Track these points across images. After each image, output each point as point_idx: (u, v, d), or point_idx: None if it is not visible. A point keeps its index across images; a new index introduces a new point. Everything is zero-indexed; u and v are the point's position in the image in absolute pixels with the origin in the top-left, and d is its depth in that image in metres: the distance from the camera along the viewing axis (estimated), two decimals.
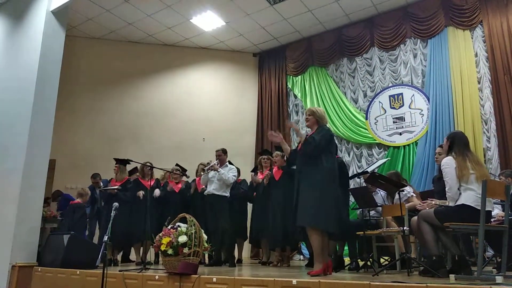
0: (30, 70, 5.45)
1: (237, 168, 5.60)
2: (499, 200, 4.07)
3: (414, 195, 4.50)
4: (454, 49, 6.95)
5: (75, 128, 7.94)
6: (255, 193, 5.65)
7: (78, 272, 4.22)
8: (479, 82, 6.70)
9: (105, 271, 3.39)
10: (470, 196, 3.02)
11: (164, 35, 8.39)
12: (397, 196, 4.24)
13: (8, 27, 6.08)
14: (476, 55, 6.82)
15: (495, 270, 3.60)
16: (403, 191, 4.00)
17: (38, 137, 5.26)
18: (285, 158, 5.27)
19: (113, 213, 3.71)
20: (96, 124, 8.13)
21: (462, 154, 3.18)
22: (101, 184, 6.26)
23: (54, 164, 7.33)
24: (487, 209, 2.92)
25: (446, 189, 3.14)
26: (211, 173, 5.23)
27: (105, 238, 3.46)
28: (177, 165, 6.16)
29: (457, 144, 3.25)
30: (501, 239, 3.06)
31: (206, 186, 5.32)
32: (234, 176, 5.31)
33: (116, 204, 3.82)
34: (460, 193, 3.08)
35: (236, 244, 5.90)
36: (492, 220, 3.60)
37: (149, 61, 8.70)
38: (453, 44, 6.99)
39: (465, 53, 6.86)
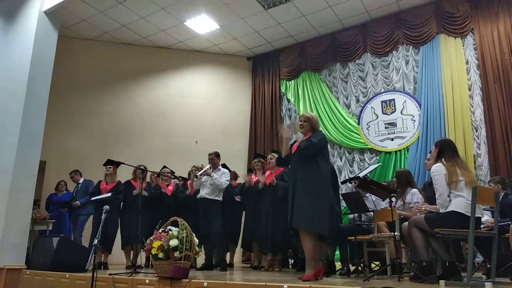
0: (21, 71, 5.41)
1: (233, 172, 5.57)
2: (488, 207, 4.12)
3: (420, 204, 4.49)
4: (446, 56, 7.03)
5: (67, 129, 7.87)
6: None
7: (67, 276, 4.17)
8: (469, 89, 6.78)
9: (95, 275, 3.36)
10: (460, 203, 3.04)
11: (158, 37, 8.38)
12: (407, 198, 4.27)
13: None
14: (467, 63, 6.91)
15: (484, 276, 3.63)
16: (394, 196, 4.01)
17: (29, 138, 5.21)
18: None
19: (103, 216, 3.67)
20: (88, 126, 8.07)
21: (452, 160, 3.21)
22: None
23: (44, 166, 7.25)
24: (476, 215, 2.95)
25: (436, 196, 3.16)
26: (204, 177, 5.21)
27: (95, 241, 3.42)
28: (164, 167, 6.14)
29: (447, 150, 3.27)
30: (490, 245, 3.09)
31: (199, 190, 5.29)
32: (227, 180, 5.29)
33: (106, 207, 3.79)
34: (450, 200, 3.10)
35: (228, 249, 5.89)
36: (482, 226, 3.64)
37: (143, 63, 8.66)
38: (444, 51, 7.07)
39: (456, 60, 6.94)
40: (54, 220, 6.46)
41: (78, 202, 6.19)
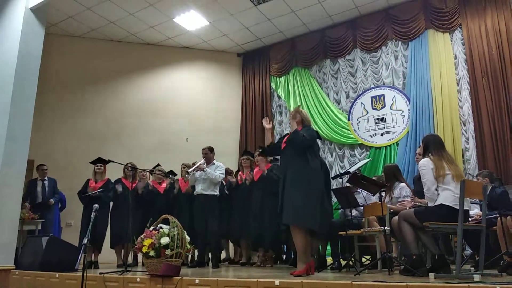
0: (8, 69, 5.32)
1: (226, 168, 5.57)
2: (477, 200, 4.17)
3: (409, 198, 4.53)
4: (434, 52, 7.08)
5: (55, 128, 7.77)
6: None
7: (57, 275, 4.14)
8: (458, 84, 6.85)
9: (85, 274, 3.33)
10: (448, 196, 3.07)
11: (146, 34, 8.30)
12: (396, 193, 4.30)
13: None
14: (455, 58, 6.96)
15: (473, 268, 3.68)
16: (383, 190, 4.04)
17: (17, 137, 5.13)
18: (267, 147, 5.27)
19: (93, 215, 3.64)
20: (77, 124, 7.97)
21: (438, 154, 3.24)
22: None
23: (33, 165, 7.15)
24: (464, 208, 2.98)
25: (424, 190, 3.20)
26: (198, 173, 5.17)
27: (85, 240, 3.39)
28: (158, 165, 6.10)
29: (432, 145, 3.31)
30: (479, 238, 3.13)
31: (194, 187, 5.26)
32: (222, 174, 5.23)
33: (96, 205, 3.75)
34: (438, 194, 3.14)
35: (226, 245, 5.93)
36: (470, 219, 3.69)
37: (131, 60, 8.58)
38: (433, 46, 7.13)
39: (444, 55, 6.99)
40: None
41: (52, 200, 6.23)
